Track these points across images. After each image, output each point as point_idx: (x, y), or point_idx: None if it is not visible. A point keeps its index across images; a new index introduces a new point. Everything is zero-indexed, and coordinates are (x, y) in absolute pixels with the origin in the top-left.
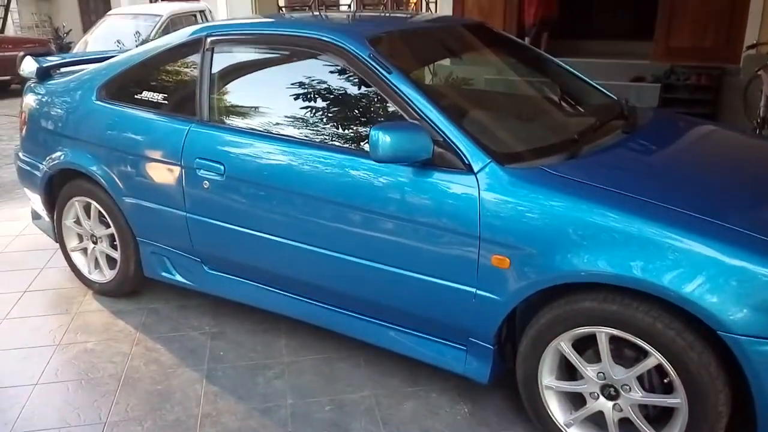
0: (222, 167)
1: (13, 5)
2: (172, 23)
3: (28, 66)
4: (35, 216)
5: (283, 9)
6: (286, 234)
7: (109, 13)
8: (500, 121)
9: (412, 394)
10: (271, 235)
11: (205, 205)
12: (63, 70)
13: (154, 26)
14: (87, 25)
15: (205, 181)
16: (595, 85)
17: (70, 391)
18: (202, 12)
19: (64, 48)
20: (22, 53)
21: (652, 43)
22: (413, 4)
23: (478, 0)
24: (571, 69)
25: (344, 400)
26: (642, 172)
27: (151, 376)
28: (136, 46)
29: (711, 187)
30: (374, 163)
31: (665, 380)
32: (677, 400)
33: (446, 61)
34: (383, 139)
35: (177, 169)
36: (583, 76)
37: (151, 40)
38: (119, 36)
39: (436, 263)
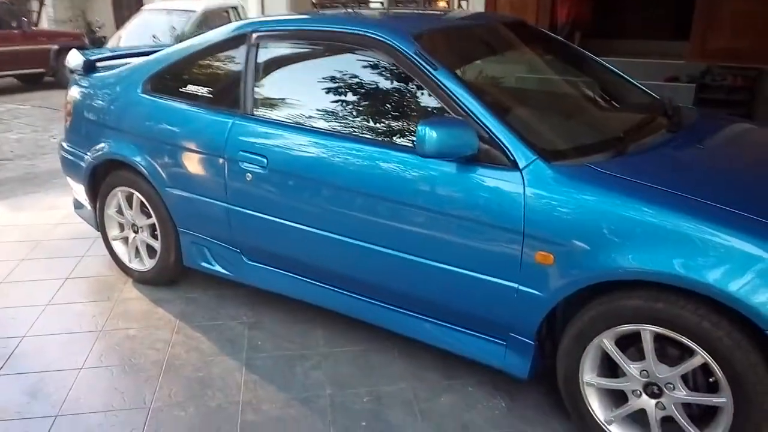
0: (265, 160)
1: (47, 0)
2: (206, 19)
3: (75, 59)
4: (77, 205)
5: (317, 6)
6: (327, 226)
7: (143, 8)
8: (544, 118)
9: (449, 387)
10: (312, 227)
11: (246, 197)
12: (107, 63)
13: (188, 21)
14: (119, 20)
15: (248, 174)
16: (636, 83)
17: (114, 375)
18: (234, 8)
19: (97, 42)
20: (56, 46)
21: (686, 43)
22: (446, 2)
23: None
24: (612, 67)
25: (382, 391)
26: (688, 170)
27: (192, 363)
28: (172, 41)
29: (757, 185)
30: (419, 157)
31: (710, 379)
32: (723, 399)
33: (488, 58)
34: (430, 134)
35: (220, 161)
36: (624, 75)
37: (186, 34)
38: (153, 31)
39: (478, 258)
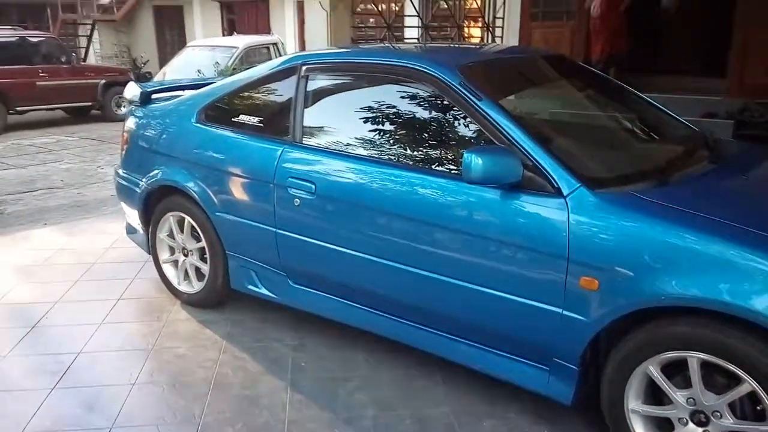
0: (313, 186)
1: (95, 36)
2: (247, 54)
3: (132, 90)
4: (130, 230)
5: (356, 42)
6: (373, 251)
7: (188, 44)
8: (586, 148)
9: (491, 413)
10: (358, 251)
11: (294, 222)
12: (162, 95)
13: (231, 57)
14: (163, 56)
15: (296, 199)
16: (676, 117)
17: (164, 391)
18: (275, 44)
19: (142, 77)
20: (103, 81)
21: (721, 80)
22: (480, 36)
23: (545, 34)
24: (651, 100)
25: (424, 414)
26: (731, 199)
27: (240, 381)
28: (216, 76)
29: None
30: (464, 184)
31: (758, 407)
32: None
33: (530, 90)
34: (476, 161)
35: (269, 187)
36: (664, 108)
37: (229, 69)
38: (197, 66)
39: (523, 283)
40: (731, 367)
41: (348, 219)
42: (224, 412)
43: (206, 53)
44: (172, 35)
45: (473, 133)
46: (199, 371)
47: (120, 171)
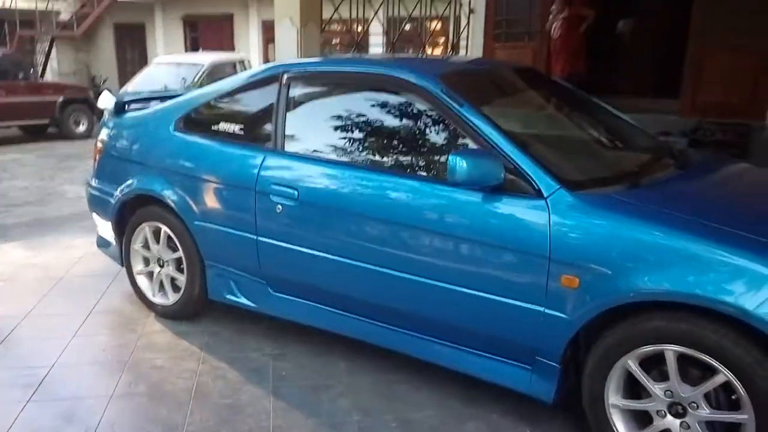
0: (296, 192)
1: (53, 53)
2: (214, 71)
3: (107, 100)
4: (101, 242)
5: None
6: (355, 255)
7: (154, 61)
8: (562, 153)
9: (474, 415)
10: (340, 256)
11: (276, 229)
12: (136, 105)
13: (198, 73)
14: (123, 74)
15: (279, 206)
16: (642, 128)
17: (145, 402)
18: (241, 62)
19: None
20: (61, 98)
21: (675, 100)
22: (442, 49)
23: (508, 54)
24: (616, 112)
25: (408, 418)
26: (698, 201)
27: (220, 390)
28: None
29: (760, 213)
30: (446, 187)
31: (733, 396)
32: (744, 416)
33: (504, 98)
34: (461, 164)
35: (251, 195)
36: (629, 120)
37: (196, 85)
38: (163, 82)
39: (505, 283)
40: (706, 359)
41: (332, 224)
42: (207, 420)
43: (172, 70)
44: (133, 53)
45: (453, 138)
46: (179, 381)
47: (92, 182)
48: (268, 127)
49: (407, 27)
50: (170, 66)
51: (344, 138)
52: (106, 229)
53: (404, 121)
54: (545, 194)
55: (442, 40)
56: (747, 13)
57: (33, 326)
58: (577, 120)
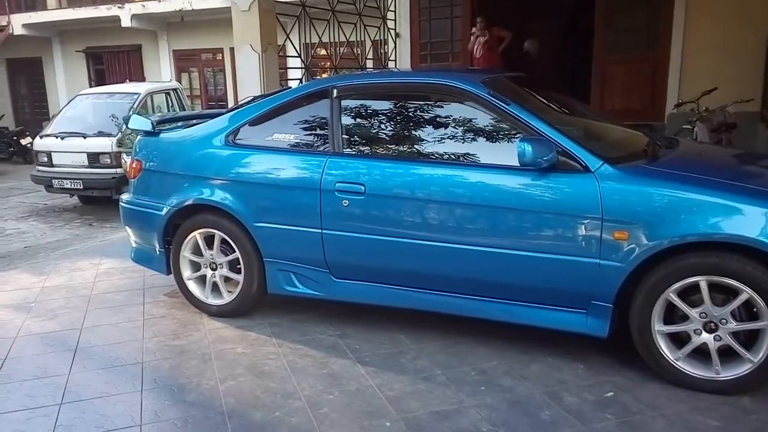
0: (363, 187)
1: None
2: (150, 99)
3: (140, 123)
4: (139, 257)
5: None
6: (431, 237)
7: (79, 93)
8: (589, 137)
9: (534, 359)
10: (411, 238)
11: (342, 221)
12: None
13: (134, 103)
14: (20, 110)
15: (345, 201)
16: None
17: (251, 380)
18: (175, 90)
19: None
20: None
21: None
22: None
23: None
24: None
25: (482, 368)
26: (703, 167)
27: (311, 364)
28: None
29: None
30: (509, 170)
31: (754, 309)
32: (764, 322)
33: (530, 98)
34: (528, 148)
35: (315, 194)
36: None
37: (136, 113)
38: (94, 115)
39: (567, 244)
40: (732, 282)
41: (402, 211)
42: (315, 386)
43: (103, 101)
44: (30, 89)
45: (498, 131)
46: (268, 362)
47: (132, 198)
48: (325, 135)
49: (344, 51)
50: (99, 97)
51: (402, 138)
52: (148, 240)
53: (455, 120)
54: (593, 169)
55: (372, 63)
56: (642, 29)
57: (96, 335)
58: (579, 113)
